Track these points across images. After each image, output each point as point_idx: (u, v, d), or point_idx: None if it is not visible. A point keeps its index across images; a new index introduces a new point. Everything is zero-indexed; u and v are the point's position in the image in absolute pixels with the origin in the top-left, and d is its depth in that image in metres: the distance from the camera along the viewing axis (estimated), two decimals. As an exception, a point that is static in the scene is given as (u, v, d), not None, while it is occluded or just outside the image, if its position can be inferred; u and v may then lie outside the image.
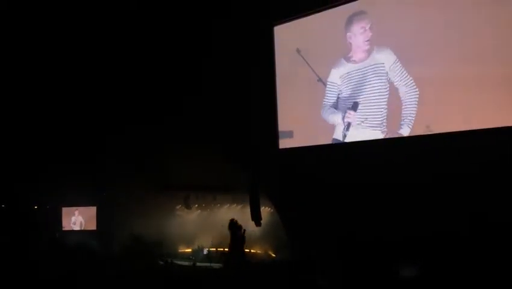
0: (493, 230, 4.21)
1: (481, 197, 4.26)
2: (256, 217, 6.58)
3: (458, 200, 4.39)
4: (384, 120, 5.05)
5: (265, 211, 9.16)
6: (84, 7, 6.75)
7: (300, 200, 5.90)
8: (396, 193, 4.79)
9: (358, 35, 5.23)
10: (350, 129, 5.32)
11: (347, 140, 5.35)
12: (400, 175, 4.77)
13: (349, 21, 5.30)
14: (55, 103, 8.32)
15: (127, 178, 9.38)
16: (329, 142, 5.53)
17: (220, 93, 7.10)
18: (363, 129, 5.21)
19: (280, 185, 6.36)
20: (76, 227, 11.07)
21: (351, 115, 5.29)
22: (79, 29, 7.14)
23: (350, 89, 5.35)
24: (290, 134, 5.94)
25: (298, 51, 5.72)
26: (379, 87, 5.08)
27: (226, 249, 10.45)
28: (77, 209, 11.12)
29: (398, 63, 4.96)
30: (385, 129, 5.04)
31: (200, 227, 11.31)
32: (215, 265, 8.08)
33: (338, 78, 5.44)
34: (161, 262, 7.77)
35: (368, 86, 5.17)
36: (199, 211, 11.88)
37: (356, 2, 5.29)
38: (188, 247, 11.56)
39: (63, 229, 11.03)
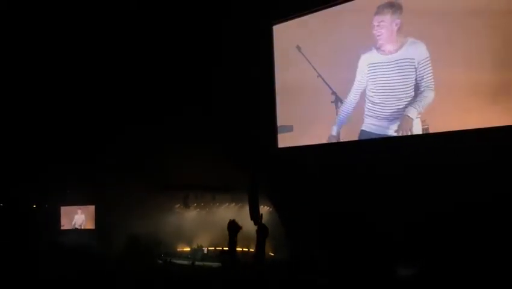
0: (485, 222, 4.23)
1: (478, 191, 4.27)
2: (255, 217, 6.57)
3: (458, 201, 4.39)
4: (401, 115, 4.89)
5: (264, 210, 9.15)
6: (80, 6, 6.72)
7: (299, 199, 5.91)
8: (396, 192, 4.80)
9: (390, 25, 4.90)
10: (367, 119, 5.20)
11: (364, 129, 5.23)
12: (401, 174, 4.77)
13: (381, 10, 4.96)
14: (55, 103, 8.31)
15: (126, 177, 9.37)
16: (330, 141, 5.53)
17: (219, 93, 7.10)
18: (379, 121, 5.08)
19: (279, 184, 6.36)
20: (78, 226, 11.08)
21: (369, 107, 5.15)
22: (80, 29, 7.13)
23: (373, 82, 5.12)
24: (289, 129, 5.90)
25: (298, 48, 5.67)
26: (404, 83, 4.86)
27: (226, 248, 10.46)
28: (80, 208, 11.12)
29: (428, 61, 4.68)
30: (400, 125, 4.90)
31: (199, 226, 11.30)
32: (214, 264, 8.07)
33: (366, 66, 5.17)
34: (160, 262, 7.78)
35: (392, 81, 4.95)
36: (198, 210, 11.87)
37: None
38: (187, 247, 11.56)
39: (62, 228, 11.03)
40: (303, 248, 5.83)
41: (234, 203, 11.42)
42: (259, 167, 6.55)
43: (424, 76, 4.74)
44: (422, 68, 4.73)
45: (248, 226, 7.00)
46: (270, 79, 6.07)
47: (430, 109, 4.77)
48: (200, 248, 11.16)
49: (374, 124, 5.15)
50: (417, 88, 4.80)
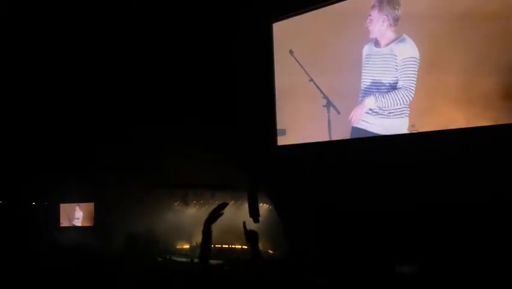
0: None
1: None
2: (254, 215, 6.58)
3: (457, 199, 4.40)
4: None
5: (264, 208, 9.16)
6: (79, 6, 6.70)
7: (298, 198, 5.91)
8: (396, 191, 4.80)
9: (378, 21, 4.83)
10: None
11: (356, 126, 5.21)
12: (402, 172, 4.77)
13: (376, 4, 4.87)
14: (55, 101, 8.31)
15: (125, 175, 9.39)
16: (327, 139, 5.52)
17: (219, 91, 7.09)
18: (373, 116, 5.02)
19: (279, 182, 6.37)
20: (78, 223, 11.10)
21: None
22: (81, 29, 7.13)
23: (365, 73, 5.04)
24: (282, 132, 5.91)
25: (291, 52, 5.62)
26: (384, 78, 4.82)
27: (225, 245, 10.49)
28: (78, 205, 11.14)
29: (413, 61, 4.57)
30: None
31: (199, 224, 11.28)
32: (213, 262, 8.09)
33: (364, 57, 5.07)
34: (159, 259, 7.79)
35: (374, 75, 4.92)
36: (197, 208, 11.89)
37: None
38: (186, 244, 11.58)
39: (61, 225, 11.04)
40: (302, 246, 5.83)
41: (233, 201, 11.44)
42: (258, 165, 6.55)
43: (404, 75, 4.65)
44: (403, 67, 4.65)
45: (248, 223, 7.01)
46: (269, 77, 6.06)
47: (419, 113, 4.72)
48: (199, 245, 11.18)
49: (363, 121, 5.12)
50: (394, 87, 4.74)
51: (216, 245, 10.41)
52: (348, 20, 5.24)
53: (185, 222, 11.34)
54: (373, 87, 4.95)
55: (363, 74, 5.09)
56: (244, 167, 6.93)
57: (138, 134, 8.49)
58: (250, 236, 2.99)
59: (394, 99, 4.74)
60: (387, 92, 4.81)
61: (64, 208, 11.13)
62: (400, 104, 4.72)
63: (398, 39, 4.71)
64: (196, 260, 9.02)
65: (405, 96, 4.66)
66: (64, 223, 11.06)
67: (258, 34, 6.14)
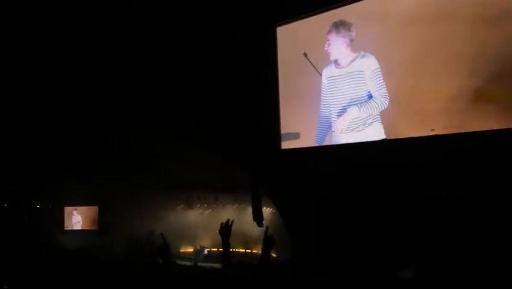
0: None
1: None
2: (258, 218, 6.57)
3: (457, 200, 4.39)
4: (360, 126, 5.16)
5: (267, 211, 9.15)
6: (77, 6, 6.72)
7: (302, 201, 5.90)
8: (397, 193, 4.79)
9: (336, 43, 5.24)
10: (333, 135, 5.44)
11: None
12: (402, 176, 4.76)
13: (332, 29, 5.29)
14: (60, 104, 8.34)
15: (128, 178, 9.40)
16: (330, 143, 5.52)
17: (224, 93, 7.09)
18: (343, 134, 5.29)
19: (282, 186, 6.36)
20: (78, 227, 11.11)
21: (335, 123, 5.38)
22: (82, 29, 7.16)
23: (332, 95, 5.39)
24: (296, 136, 5.89)
25: (305, 55, 5.65)
26: (357, 93, 5.14)
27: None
28: (75, 209, 11.14)
29: (379, 72, 4.99)
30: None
31: (202, 227, 11.32)
32: (217, 266, 8.07)
33: (326, 79, 5.45)
34: (162, 262, 7.75)
35: (347, 94, 5.22)
36: (201, 211, 11.89)
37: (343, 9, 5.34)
38: (189, 247, 11.57)
39: (65, 228, 11.06)
40: (306, 249, 5.82)
41: (237, 204, 11.44)
42: (262, 168, 6.55)
43: (375, 86, 5.04)
44: (372, 79, 5.04)
45: (252, 227, 7.01)
46: (274, 80, 6.06)
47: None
48: (202, 249, 11.17)
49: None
50: (370, 97, 5.11)
51: (219, 249, 10.40)
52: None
53: (188, 225, 11.34)
54: (352, 103, 5.22)
55: (330, 96, 5.40)
56: (248, 170, 6.93)
57: (143, 137, 8.51)
58: (268, 242, 3.01)
59: (374, 106, 5.08)
60: (365, 102, 5.12)
61: (68, 211, 11.16)
62: (380, 110, 5.08)
63: (359, 55, 5.15)
64: (199, 264, 9.02)
65: (383, 102, 5.02)
66: (69, 226, 11.09)
67: (263, 37, 6.16)
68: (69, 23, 7.02)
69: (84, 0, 6.69)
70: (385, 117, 5.05)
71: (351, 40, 5.18)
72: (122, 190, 9.65)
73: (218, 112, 7.43)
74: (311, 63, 5.59)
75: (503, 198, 4.19)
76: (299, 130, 5.90)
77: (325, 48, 5.32)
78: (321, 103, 5.53)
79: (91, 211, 11.10)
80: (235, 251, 10.58)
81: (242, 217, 9.54)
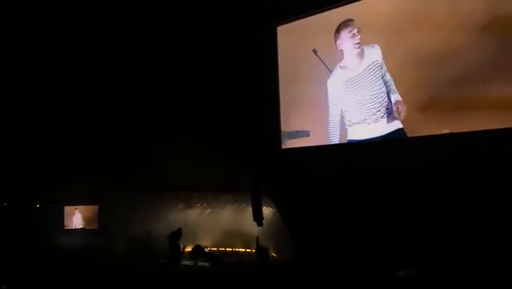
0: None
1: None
2: (258, 217, 6.58)
3: (456, 201, 4.40)
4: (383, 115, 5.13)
5: (267, 211, 9.15)
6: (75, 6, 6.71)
7: (302, 201, 5.90)
8: (397, 193, 4.79)
9: (348, 40, 5.23)
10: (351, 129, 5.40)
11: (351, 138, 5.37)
12: (402, 175, 4.77)
13: (337, 30, 5.32)
14: (57, 102, 8.34)
15: (129, 178, 9.40)
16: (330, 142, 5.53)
17: (224, 93, 7.10)
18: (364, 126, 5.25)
19: (283, 186, 6.36)
20: (79, 226, 11.11)
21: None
22: (81, 29, 7.16)
23: (351, 96, 5.33)
24: (306, 134, 5.91)
25: (315, 51, 5.63)
26: (378, 86, 5.12)
27: (228, 249, 10.49)
28: (76, 208, 11.13)
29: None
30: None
31: (202, 226, 11.31)
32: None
33: (342, 84, 5.38)
34: (162, 262, 7.76)
35: (368, 89, 5.19)
36: (201, 210, 11.88)
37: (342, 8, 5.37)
38: (189, 247, 11.56)
39: (66, 228, 11.05)
40: (306, 249, 5.82)
41: (237, 204, 11.44)
42: (262, 168, 6.55)
43: (386, 72, 5.13)
44: (383, 66, 5.13)
45: (252, 226, 7.00)
46: (274, 80, 6.07)
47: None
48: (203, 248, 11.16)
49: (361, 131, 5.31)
50: (385, 83, 5.15)
51: (220, 248, 10.39)
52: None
53: (188, 225, 11.33)
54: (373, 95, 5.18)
55: (348, 98, 5.33)
56: (248, 170, 6.93)
57: (143, 137, 8.51)
58: (262, 253, 3.03)
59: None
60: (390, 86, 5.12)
61: (68, 210, 11.14)
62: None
63: (367, 47, 5.18)
64: (199, 263, 9.02)
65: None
66: (69, 225, 11.07)
67: (263, 37, 6.16)
68: (69, 23, 7.03)
69: (84, 0, 6.69)
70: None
71: (359, 36, 5.15)
72: (122, 190, 9.65)
73: (218, 112, 7.44)
74: (321, 60, 5.56)
75: (504, 198, 4.19)
76: (309, 128, 5.90)
77: (339, 47, 5.30)
78: (333, 109, 5.51)
79: (91, 210, 11.09)
80: (234, 250, 10.58)
81: (242, 217, 9.54)
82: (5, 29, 6.89)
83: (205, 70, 7.25)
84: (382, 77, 5.11)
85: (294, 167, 5.93)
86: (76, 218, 11.14)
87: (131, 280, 4.24)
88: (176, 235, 3.27)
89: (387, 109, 5.09)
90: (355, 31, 5.16)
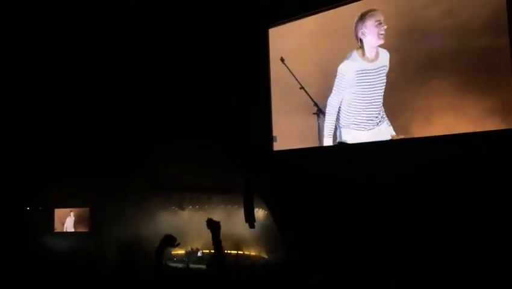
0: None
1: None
2: (250, 219, 6.56)
3: (451, 208, 4.42)
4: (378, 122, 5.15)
5: (260, 213, 9.14)
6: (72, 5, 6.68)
7: (294, 202, 5.91)
8: (390, 193, 4.81)
9: (373, 29, 4.99)
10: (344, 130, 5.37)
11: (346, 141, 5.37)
12: (395, 176, 4.78)
13: (361, 18, 5.08)
14: (52, 103, 8.26)
15: (120, 179, 9.33)
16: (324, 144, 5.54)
17: (217, 94, 7.09)
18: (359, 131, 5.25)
19: (275, 187, 6.36)
20: (70, 229, 11.01)
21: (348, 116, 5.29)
22: (78, 29, 7.11)
23: (362, 88, 5.17)
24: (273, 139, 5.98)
25: (282, 60, 5.67)
26: (381, 91, 5.10)
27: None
28: (72, 210, 11.04)
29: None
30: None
31: (195, 228, 11.27)
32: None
33: (354, 73, 5.18)
34: (154, 264, 7.71)
35: (376, 89, 5.11)
36: (193, 212, 11.83)
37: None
38: (181, 249, 11.49)
39: (55, 230, 10.94)
40: (298, 250, 5.82)
41: (229, 205, 11.41)
42: (254, 169, 6.54)
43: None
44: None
45: (244, 228, 6.99)
46: (266, 81, 6.08)
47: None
48: (195, 251, 11.11)
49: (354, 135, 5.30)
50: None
51: (211, 251, 10.34)
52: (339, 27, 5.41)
53: (180, 227, 11.27)
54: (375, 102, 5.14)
55: (358, 89, 5.20)
56: (240, 171, 6.92)
57: (135, 137, 8.45)
58: (212, 225, 2.94)
59: None
60: None
61: (57, 213, 11.03)
62: None
63: (382, 50, 5.06)
64: (191, 265, 8.97)
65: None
66: (58, 228, 10.96)
67: (256, 39, 6.16)
68: (69, 23, 6.98)
69: (84, 0, 6.66)
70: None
71: (385, 27, 4.94)
72: (114, 191, 9.58)
73: (211, 114, 7.42)
74: (288, 68, 5.60)
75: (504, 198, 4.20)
76: (276, 133, 5.99)
77: (361, 36, 5.07)
78: (336, 95, 5.30)
79: (85, 213, 10.99)
80: (226, 253, 10.53)
81: (234, 219, 9.51)
82: (5, 29, 6.82)
83: (199, 71, 7.24)
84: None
85: (286, 169, 5.93)
86: (69, 221, 11.04)
87: (122, 282, 4.21)
88: (167, 243, 3.08)
89: (382, 117, 5.10)
90: (381, 20, 4.92)
